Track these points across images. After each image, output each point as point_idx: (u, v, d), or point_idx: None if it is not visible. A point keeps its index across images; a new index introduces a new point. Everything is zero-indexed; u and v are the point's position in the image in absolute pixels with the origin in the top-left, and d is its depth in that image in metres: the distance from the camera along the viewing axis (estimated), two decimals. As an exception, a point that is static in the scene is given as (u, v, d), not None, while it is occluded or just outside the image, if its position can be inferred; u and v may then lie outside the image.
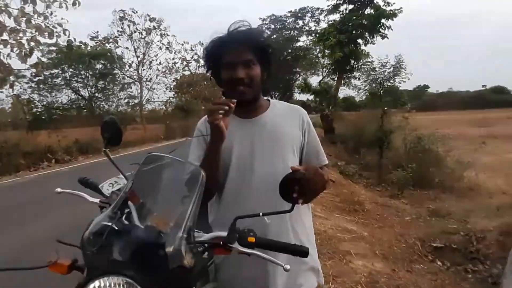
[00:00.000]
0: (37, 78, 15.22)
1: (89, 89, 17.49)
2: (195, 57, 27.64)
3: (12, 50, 11.94)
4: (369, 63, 17.98)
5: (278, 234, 1.21)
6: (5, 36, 11.80)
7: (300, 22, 41.31)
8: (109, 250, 0.94)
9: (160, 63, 23.07)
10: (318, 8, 37.01)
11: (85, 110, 17.30)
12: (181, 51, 30.08)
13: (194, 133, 1.32)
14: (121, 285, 0.87)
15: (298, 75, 47.05)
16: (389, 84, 14.18)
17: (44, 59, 14.57)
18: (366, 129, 13.99)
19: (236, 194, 1.26)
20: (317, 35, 21.11)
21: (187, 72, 27.15)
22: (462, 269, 4.47)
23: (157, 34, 21.75)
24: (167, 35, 21.99)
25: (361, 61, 18.48)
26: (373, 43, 18.56)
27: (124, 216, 1.12)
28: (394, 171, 10.02)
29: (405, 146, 11.47)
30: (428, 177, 9.81)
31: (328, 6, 20.47)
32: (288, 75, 47.13)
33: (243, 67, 1.18)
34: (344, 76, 20.12)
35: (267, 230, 1.19)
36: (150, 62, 22.26)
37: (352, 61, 18.79)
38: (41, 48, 13.56)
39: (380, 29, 17.91)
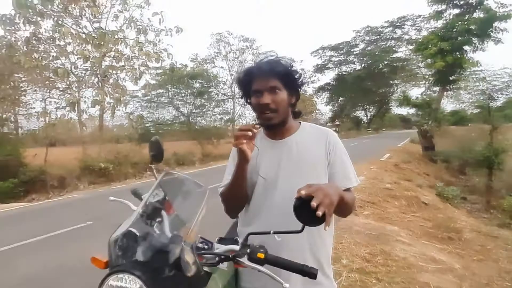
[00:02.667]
0: (146, 98, 17.47)
1: (188, 107, 19.37)
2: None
3: (126, 75, 14.19)
4: (479, 72, 15.85)
5: (293, 250, 1.26)
6: (122, 63, 14.04)
7: (399, 32, 39.13)
8: (129, 251, 1.08)
9: (252, 80, 24.24)
10: (419, 16, 34.60)
11: (184, 126, 19.12)
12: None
13: (232, 151, 1.45)
14: (130, 282, 0.98)
15: (396, 88, 44.30)
16: (499, 95, 12.23)
17: (151, 81, 16.76)
18: (473, 147, 12.31)
19: (259, 210, 1.35)
20: (416, 43, 19.53)
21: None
22: None
23: (249, 53, 23.03)
24: (259, 53, 23.00)
25: (467, 70, 16.41)
26: (483, 50, 16.40)
27: (155, 225, 1.28)
28: (508, 196, 8.57)
29: (523, 167, 9.76)
30: (553, 205, 8.13)
31: (430, 13, 18.94)
32: (385, 88, 44.72)
33: (269, 94, 1.28)
34: (448, 88, 18.14)
35: (282, 245, 1.21)
36: (243, 80, 23.56)
37: (458, 70, 16.85)
38: (149, 71, 15.70)
39: (492, 33, 15.73)
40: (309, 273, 1.04)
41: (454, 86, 17.61)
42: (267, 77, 1.29)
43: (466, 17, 16.61)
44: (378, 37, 40.47)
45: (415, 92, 42.89)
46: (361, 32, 40.61)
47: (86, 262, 1.26)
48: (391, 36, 40.01)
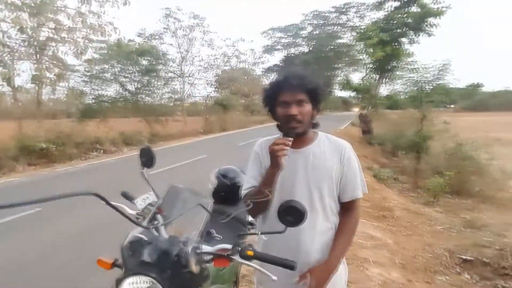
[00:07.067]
0: (89, 73, 16.40)
1: (135, 84, 18.61)
2: (236, 53, 28.17)
3: (69, 48, 13.17)
4: (412, 63, 17.30)
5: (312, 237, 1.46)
6: (63, 34, 12.95)
7: (344, 18, 40.59)
8: (140, 255, 1.21)
9: (202, 59, 23.79)
10: (363, 4, 36.14)
11: (130, 103, 18.35)
12: (223, 47, 30.83)
13: (252, 154, 1.56)
14: (147, 283, 1.13)
15: (339, 71, 46.29)
16: (429, 87, 13.65)
17: (96, 55, 15.74)
18: (404, 132, 13.60)
19: (275, 216, 1.46)
20: (359, 32, 20.65)
21: (227, 68, 27.74)
22: (491, 285, 4.35)
23: (200, 31, 22.47)
24: (210, 32, 22.58)
25: (403, 61, 17.85)
26: (418, 43, 17.89)
27: (154, 228, 1.44)
28: (432, 177, 9.68)
29: (445, 152, 11.04)
30: (467, 185, 9.40)
31: (373, 2, 20.01)
32: (329, 71, 46.58)
33: (296, 106, 1.38)
34: (385, 76, 19.57)
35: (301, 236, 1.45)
36: (193, 58, 23.11)
37: (395, 60, 18.21)
38: (93, 45, 14.70)
39: (426, 27, 17.19)
40: (289, 265, 1.19)
41: (390, 75, 19.05)
42: (295, 90, 1.38)
43: (404, 10, 17.89)
44: (325, 21, 41.58)
45: (357, 77, 45.29)
46: (309, 16, 41.47)
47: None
48: (336, 22, 41.32)
